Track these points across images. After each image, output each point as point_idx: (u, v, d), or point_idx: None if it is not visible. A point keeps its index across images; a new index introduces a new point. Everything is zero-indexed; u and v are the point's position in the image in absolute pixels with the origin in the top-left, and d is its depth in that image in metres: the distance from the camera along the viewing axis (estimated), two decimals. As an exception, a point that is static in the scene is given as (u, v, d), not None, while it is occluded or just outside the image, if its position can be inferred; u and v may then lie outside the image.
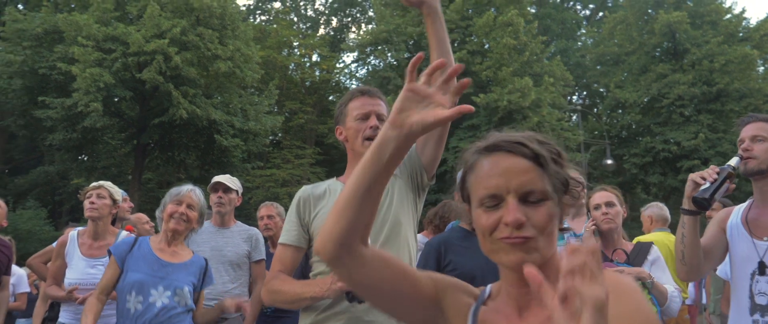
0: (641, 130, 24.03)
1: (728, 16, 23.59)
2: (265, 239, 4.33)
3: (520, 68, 19.61)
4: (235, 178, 4.02)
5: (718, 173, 2.09)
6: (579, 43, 30.16)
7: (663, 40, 23.23)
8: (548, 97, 19.30)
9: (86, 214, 3.55)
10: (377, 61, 23.50)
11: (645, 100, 23.30)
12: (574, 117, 24.75)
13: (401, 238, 2.04)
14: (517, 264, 0.98)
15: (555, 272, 0.97)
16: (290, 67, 26.63)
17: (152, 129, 18.18)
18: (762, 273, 2.09)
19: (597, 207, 3.18)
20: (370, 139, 2.02)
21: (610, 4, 30.13)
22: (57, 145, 18.31)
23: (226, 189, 3.87)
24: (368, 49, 23.43)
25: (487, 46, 20.89)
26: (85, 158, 19.54)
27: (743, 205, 2.28)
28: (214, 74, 18.30)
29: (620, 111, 25.78)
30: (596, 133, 25.61)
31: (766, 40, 23.35)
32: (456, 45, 20.77)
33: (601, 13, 30.14)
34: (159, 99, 17.69)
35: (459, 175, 1.13)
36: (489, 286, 1.15)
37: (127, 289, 2.74)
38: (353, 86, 27.38)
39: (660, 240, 4.30)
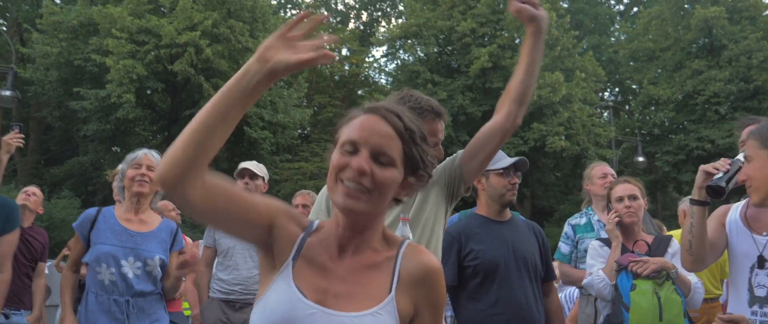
0: (675, 128, 23.49)
1: (768, 11, 22.87)
2: None
3: (551, 63, 19.36)
4: (261, 164, 4.08)
5: (730, 164, 2.18)
6: (612, 39, 29.61)
7: (699, 36, 22.62)
8: (579, 92, 19.03)
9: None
10: (406, 55, 23.47)
11: (679, 97, 22.76)
12: (606, 113, 24.32)
13: (431, 247, 2.01)
14: (345, 208, 1.15)
15: (371, 237, 1.22)
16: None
17: (183, 121, 18.45)
18: (761, 266, 2.18)
19: (619, 199, 3.17)
20: None
21: (644, 0, 29.48)
22: (91, 136, 18.77)
23: (253, 175, 3.92)
24: (398, 44, 23.42)
25: (517, 41, 20.66)
26: (118, 149, 19.97)
27: (741, 203, 2.37)
28: (244, 67, 18.51)
29: (653, 108, 25.24)
30: (627, 130, 25.12)
31: (809, 37, 22.55)
32: (486, 39, 20.61)
33: (635, 9, 29.57)
34: (190, 91, 18.00)
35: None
36: (317, 221, 1.28)
37: (98, 261, 2.77)
38: (382, 80, 27.54)
39: (690, 235, 4.21)
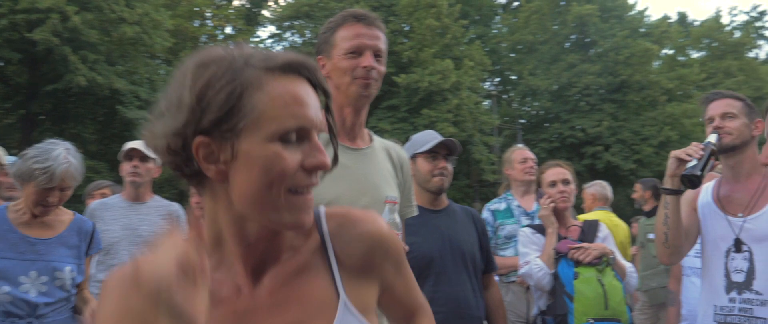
0: (550, 117, 25.03)
1: (633, 12, 24.98)
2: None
3: (440, 50, 19.71)
4: (153, 144, 3.49)
5: (702, 149, 2.04)
6: (494, 31, 30.85)
7: (574, 31, 24.21)
8: (467, 80, 19.56)
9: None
10: (296, 36, 22.76)
11: (555, 87, 24.25)
12: (485, 102, 25.32)
13: None
14: (304, 225, 0.80)
15: (285, 234, 0.86)
16: (202, 38, 25.20)
17: (43, 97, 16.52)
18: (738, 250, 2.07)
19: (553, 184, 3.04)
20: (366, 81, 1.65)
21: (525, -6, 30.95)
22: (-73, 112, 16.25)
23: (143, 157, 3.34)
24: (286, 24, 22.64)
25: (407, 28, 20.78)
26: (-37, 128, 17.51)
27: (711, 184, 2.26)
28: (119, 39, 16.88)
29: (530, 98, 26.73)
30: (506, 118, 26.39)
31: (664, 37, 25.05)
32: (377, 23, 20.53)
33: (516, 3, 30.94)
34: (53, 64, 16.07)
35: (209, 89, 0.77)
36: None
37: None
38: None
39: (601, 219, 4.28)
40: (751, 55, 28.41)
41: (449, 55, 20.24)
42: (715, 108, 2.15)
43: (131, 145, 3.38)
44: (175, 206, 3.50)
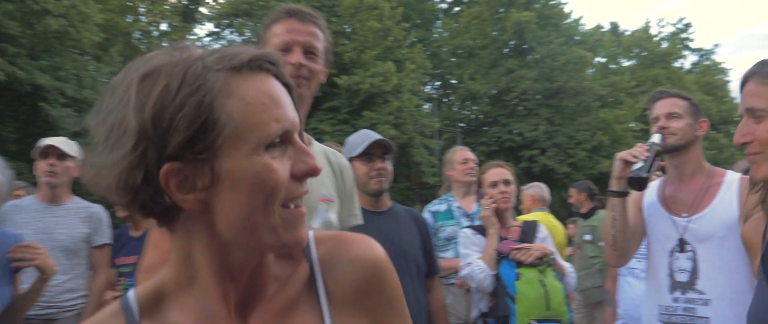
0: (489, 121, 25.55)
1: (568, 20, 25.86)
2: (124, 221, 3.63)
3: (382, 53, 19.73)
4: (72, 141, 3.23)
5: (647, 150, 2.04)
6: (436, 35, 31.24)
7: (512, 38, 24.83)
8: (409, 83, 19.68)
9: None
10: (235, 34, 22.23)
11: (494, 92, 24.79)
12: (426, 105, 25.61)
13: None
14: (303, 242, 0.71)
15: (266, 263, 0.75)
16: (135, 34, 24.19)
17: (-42, 93, 15.41)
18: (682, 250, 2.07)
19: (494, 184, 3.01)
20: (294, 79, 1.54)
21: (466, 0, 31.52)
22: None
23: (61, 155, 3.08)
24: (225, 22, 22.09)
25: (349, 29, 20.70)
26: None
27: (655, 184, 2.26)
28: (43, 33, 15.92)
29: (468, 102, 27.21)
30: (446, 121, 26.75)
31: (598, 45, 26.08)
32: (319, 24, 20.37)
33: (457, 8, 31.45)
34: (-33, 57, 15.02)
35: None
36: (130, 297, 0.74)
37: None
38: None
39: (540, 220, 4.32)
40: (677, 64, 30.07)
41: (391, 57, 20.29)
42: (661, 107, 2.14)
43: (48, 141, 3.13)
44: (97, 208, 3.26)
